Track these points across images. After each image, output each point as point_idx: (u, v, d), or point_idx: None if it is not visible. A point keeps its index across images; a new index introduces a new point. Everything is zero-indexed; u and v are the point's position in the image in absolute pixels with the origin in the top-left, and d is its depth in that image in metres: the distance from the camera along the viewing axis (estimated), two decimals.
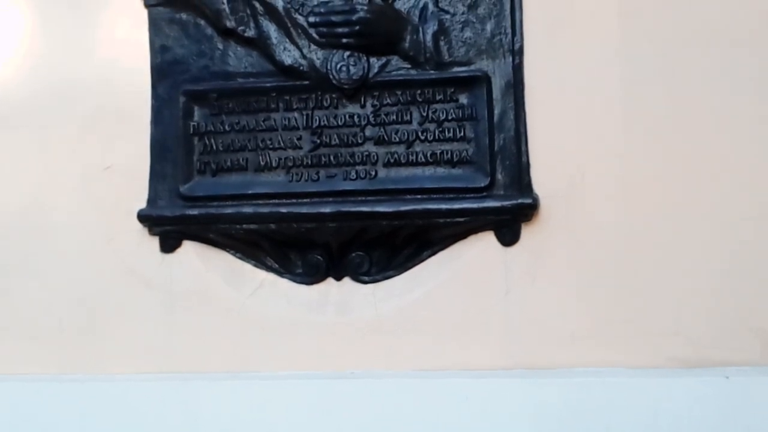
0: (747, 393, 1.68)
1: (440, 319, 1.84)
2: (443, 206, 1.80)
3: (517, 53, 1.81)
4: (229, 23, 1.88)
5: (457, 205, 1.80)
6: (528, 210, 1.79)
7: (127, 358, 1.94)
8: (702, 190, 1.75)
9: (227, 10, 1.87)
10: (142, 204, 1.92)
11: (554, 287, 1.79)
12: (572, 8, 1.81)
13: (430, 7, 1.82)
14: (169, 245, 1.93)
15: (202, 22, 1.91)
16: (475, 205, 1.80)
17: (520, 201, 1.79)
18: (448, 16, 1.82)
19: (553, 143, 1.80)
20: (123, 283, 1.94)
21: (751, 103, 1.75)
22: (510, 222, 1.81)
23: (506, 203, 1.79)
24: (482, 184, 1.80)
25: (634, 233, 1.77)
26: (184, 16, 1.92)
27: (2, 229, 2.00)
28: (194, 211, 1.90)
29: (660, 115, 1.77)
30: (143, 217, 1.92)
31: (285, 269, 1.91)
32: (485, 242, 1.83)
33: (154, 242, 1.94)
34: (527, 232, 1.81)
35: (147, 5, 1.94)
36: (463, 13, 1.82)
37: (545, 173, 1.80)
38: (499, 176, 1.81)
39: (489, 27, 1.81)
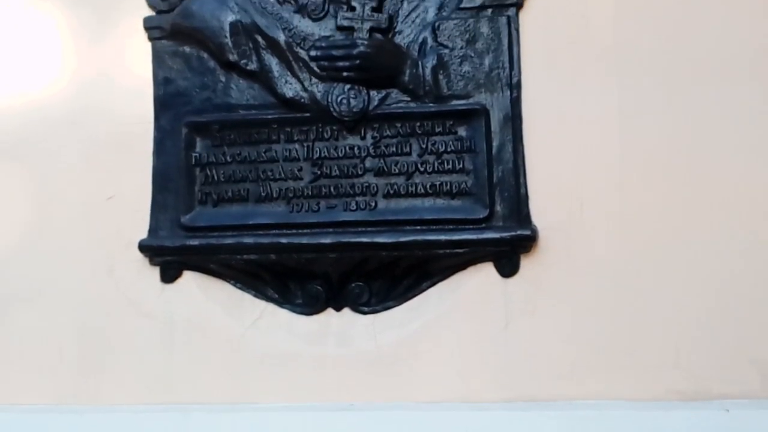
0: (747, 426, 1.68)
1: (440, 351, 1.84)
2: (443, 237, 1.81)
3: (515, 87, 1.83)
4: (232, 57, 1.90)
5: (456, 237, 1.81)
6: (527, 241, 1.80)
7: (126, 388, 1.94)
8: (700, 221, 1.77)
9: (230, 44, 1.89)
10: (144, 234, 1.94)
11: (554, 319, 1.80)
12: (569, 42, 1.83)
13: (429, 41, 1.85)
14: (169, 275, 1.94)
15: (205, 56, 1.94)
16: (474, 237, 1.81)
17: (518, 232, 1.80)
18: (446, 51, 1.85)
19: (552, 175, 1.82)
20: (123, 313, 1.95)
21: (748, 134, 1.76)
22: (509, 253, 1.82)
23: (505, 235, 1.80)
24: (481, 216, 1.82)
25: (633, 264, 1.78)
26: (187, 49, 1.95)
27: (3, 259, 2.01)
28: (195, 242, 1.91)
29: (658, 146, 1.79)
30: (144, 248, 1.93)
31: (285, 299, 1.92)
32: (485, 273, 1.84)
33: (155, 272, 1.95)
34: (526, 263, 1.82)
35: (151, 38, 1.97)
36: (461, 48, 1.84)
37: (544, 205, 1.82)
38: (498, 208, 1.82)
39: (487, 61, 1.84)
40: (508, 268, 1.82)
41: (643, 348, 1.76)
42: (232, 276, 1.93)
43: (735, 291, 1.75)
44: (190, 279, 1.94)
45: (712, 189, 1.77)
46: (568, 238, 1.80)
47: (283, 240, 1.86)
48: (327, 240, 1.85)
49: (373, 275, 1.88)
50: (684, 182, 1.77)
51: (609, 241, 1.79)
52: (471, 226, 1.82)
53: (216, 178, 1.92)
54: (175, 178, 1.94)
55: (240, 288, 1.93)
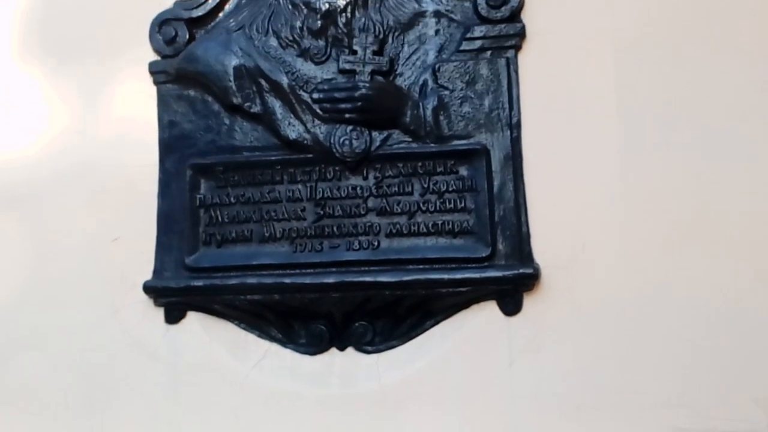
0: None
1: (444, 390, 1.83)
2: (445, 276, 1.82)
3: (515, 127, 1.85)
4: (236, 100, 1.93)
5: (459, 275, 1.82)
6: (529, 280, 1.81)
7: (132, 429, 1.93)
8: (703, 258, 1.77)
9: (234, 87, 1.92)
10: (148, 275, 1.95)
11: (558, 358, 1.79)
12: (568, 82, 1.86)
13: (430, 83, 1.88)
14: (173, 316, 1.95)
15: (210, 99, 1.97)
16: (476, 275, 1.81)
17: (521, 271, 1.81)
18: (447, 92, 1.87)
19: (553, 214, 1.83)
20: (128, 355, 1.95)
21: (750, 172, 1.77)
22: (512, 292, 1.82)
23: (507, 273, 1.81)
24: (483, 255, 1.82)
25: (637, 302, 1.78)
26: (192, 92, 1.98)
27: (9, 302, 2.02)
28: (199, 282, 1.92)
29: (658, 185, 1.80)
30: (149, 289, 1.94)
31: (289, 339, 1.92)
32: (488, 312, 1.84)
33: (159, 313, 1.95)
34: (529, 301, 1.82)
35: (156, 83, 2.01)
36: (461, 89, 1.87)
37: (546, 243, 1.82)
38: (500, 246, 1.83)
39: (487, 102, 1.86)
40: (511, 306, 1.83)
41: (648, 386, 1.75)
42: (235, 316, 1.94)
43: (740, 329, 1.74)
44: (194, 320, 1.95)
45: (714, 226, 1.77)
46: (571, 276, 1.81)
47: (287, 280, 1.87)
48: (330, 280, 1.85)
49: (377, 314, 1.88)
50: (686, 220, 1.78)
51: (611, 278, 1.80)
52: (473, 265, 1.82)
53: (220, 219, 1.94)
54: (179, 220, 1.95)
55: (244, 328, 1.94)
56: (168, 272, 1.94)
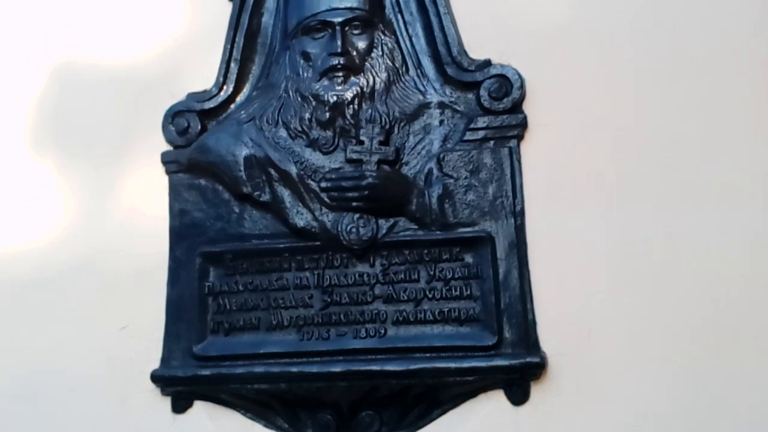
0: None
1: None
2: (452, 365, 1.81)
3: (519, 215, 1.88)
4: (246, 189, 1.97)
5: (466, 364, 1.81)
6: (536, 369, 1.80)
7: None
8: (711, 348, 1.76)
9: (244, 176, 1.96)
10: (156, 364, 1.95)
11: None
12: (570, 170, 1.88)
13: (435, 172, 1.91)
14: (180, 406, 1.94)
15: (220, 188, 2.00)
16: (483, 364, 1.81)
17: (528, 360, 1.80)
18: (451, 181, 1.91)
19: (558, 301, 1.83)
20: None
21: (753, 259, 1.78)
22: (519, 381, 1.81)
23: (514, 362, 1.80)
24: (490, 343, 1.82)
25: (644, 390, 1.77)
26: (203, 181, 2.02)
27: (16, 391, 2.02)
28: (206, 372, 1.92)
29: (662, 271, 1.81)
30: (156, 378, 1.94)
31: (295, 429, 1.91)
32: (495, 401, 1.82)
33: (166, 403, 1.95)
34: (537, 390, 1.81)
35: (168, 172, 2.05)
36: (466, 178, 1.90)
37: (552, 331, 1.82)
38: (506, 334, 1.83)
39: (491, 190, 1.90)
40: (518, 395, 1.81)
41: None
42: (242, 406, 1.93)
43: (749, 418, 1.72)
44: (201, 409, 1.94)
45: (720, 314, 1.77)
46: (578, 365, 1.80)
47: (294, 369, 1.87)
48: (337, 368, 1.85)
49: (384, 403, 1.87)
50: (690, 306, 1.78)
51: (618, 366, 1.78)
52: (480, 354, 1.82)
53: (228, 307, 1.95)
54: (188, 308, 1.96)
55: (250, 418, 1.92)
56: (176, 361, 1.95)
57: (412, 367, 1.82)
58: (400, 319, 1.88)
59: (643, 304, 1.80)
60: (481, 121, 1.92)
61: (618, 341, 1.80)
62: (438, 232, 1.90)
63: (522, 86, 1.91)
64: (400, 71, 1.98)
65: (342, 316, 1.90)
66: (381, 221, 1.91)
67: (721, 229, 1.80)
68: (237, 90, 2.05)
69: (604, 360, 1.79)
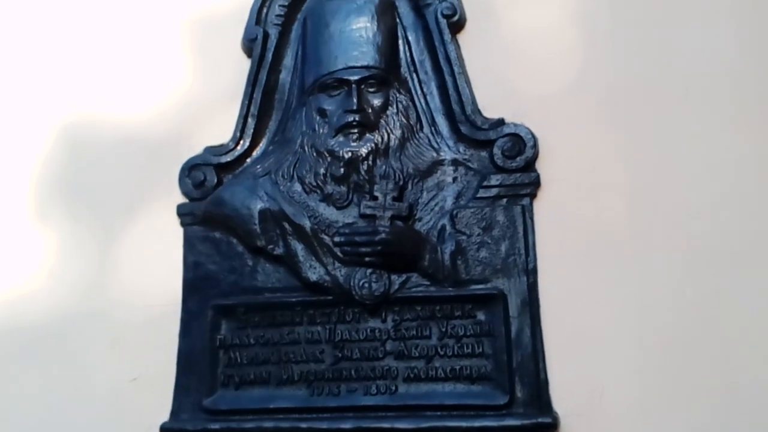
0: None
1: None
2: (463, 424, 1.80)
3: (531, 272, 1.88)
4: (260, 242, 1.98)
5: (477, 423, 1.80)
6: (548, 429, 1.78)
7: None
8: (723, 407, 1.74)
9: (259, 230, 1.98)
10: (165, 416, 1.94)
11: None
12: (583, 228, 1.89)
13: (448, 228, 1.93)
14: None
15: (234, 241, 2.02)
16: (495, 424, 1.79)
17: (539, 420, 1.78)
18: (464, 237, 1.92)
19: (570, 360, 1.82)
20: None
21: (765, 321, 1.77)
22: None
23: (526, 422, 1.78)
24: (502, 402, 1.81)
25: None
26: (217, 234, 2.03)
27: None
28: (216, 425, 1.90)
29: (676, 332, 1.80)
30: (166, 431, 1.92)
31: None
32: None
33: None
34: None
35: (183, 224, 2.07)
36: (478, 235, 1.91)
37: (564, 390, 1.81)
38: (518, 393, 1.81)
39: (504, 248, 1.90)
40: None
41: None
42: None
43: None
44: None
45: (736, 376, 1.75)
46: (590, 426, 1.78)
47: (303, 425, 1.86)
48: (347, 425, 1.84)
49: None
50: (704, 368, 1.77)
51: (630, 428, 1.77)
52: (492, 413, 1.80)
53: (239, 360, 1.95)
54: (199, 360, 1.96)
55: None
56: (185, 414, 1.94)
57: (423, 425, 1.81)
58: (412, 376, 1.87)
59: (656, 364, 1.79)
60: (495, 179, 1.94)
61: (631, 402, 1.78)
62: (450, 289, 1.90)
63: (535, 145, 1.93)
64: (415, 128, 2.01)
65: (353, 372, 1.90)
66: (393, 277, 1.92)
67: (736, 290, 1.80)
68: (253, 144, 2.09)
69: (617, 421, 1.78)
